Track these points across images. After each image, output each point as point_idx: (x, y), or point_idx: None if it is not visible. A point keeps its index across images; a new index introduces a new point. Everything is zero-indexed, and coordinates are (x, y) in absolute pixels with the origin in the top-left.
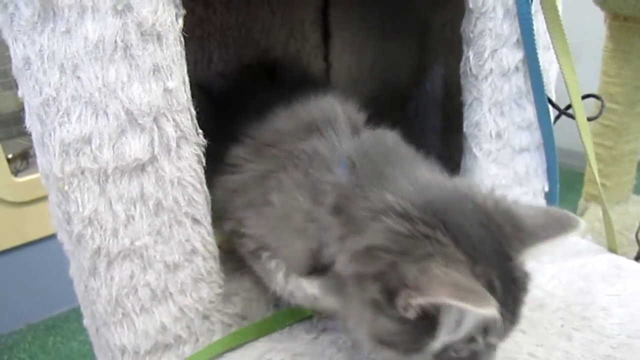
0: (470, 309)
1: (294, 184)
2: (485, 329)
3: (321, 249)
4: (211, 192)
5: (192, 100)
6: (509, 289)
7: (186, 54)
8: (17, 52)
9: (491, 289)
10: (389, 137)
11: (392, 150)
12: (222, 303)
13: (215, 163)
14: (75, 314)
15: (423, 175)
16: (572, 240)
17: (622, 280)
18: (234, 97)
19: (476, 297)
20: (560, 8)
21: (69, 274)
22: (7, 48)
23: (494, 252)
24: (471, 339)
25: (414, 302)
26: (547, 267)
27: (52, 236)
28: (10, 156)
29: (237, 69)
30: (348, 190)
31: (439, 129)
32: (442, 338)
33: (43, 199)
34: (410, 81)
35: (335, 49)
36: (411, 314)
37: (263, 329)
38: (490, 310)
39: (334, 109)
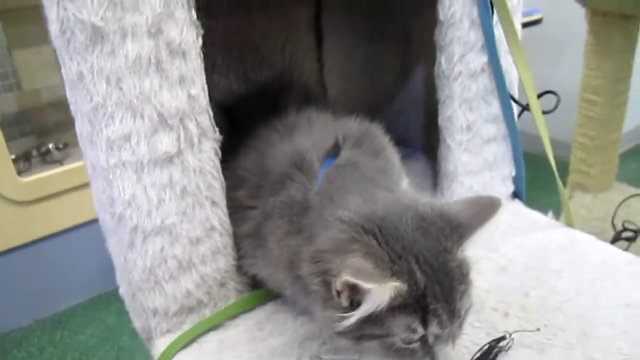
0: (363, 285)
1: (283, 232)
2: (424, 319)
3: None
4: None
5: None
6: (441, 281)
7: None
8: (72, 69)
9: (411, 279)
10: (360, 160)
11: (355, 179)
12: (236, 273)
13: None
14: (81, 309)
15: (376, 193)
16: (536, 217)
17: (575, 249)
18: (241, 124)
19: (372, 278)
20: (516, 20)
21: (72, 272)
22: (7, 52)
23: (429, 250)
24: (410, 328)
25: (336, 286)
26: (512, 239)
27: (57, 234)
28: (13, 157)
29: (248, 90)
30: (314, 222)
31: (421, 123)
32: (360, 311)
33: (47, 198)
34: (395, 81)
35: (328, 51)
36: (344, 301)
37: (270, 295)
38: (380, 286)
39: (302, 154)
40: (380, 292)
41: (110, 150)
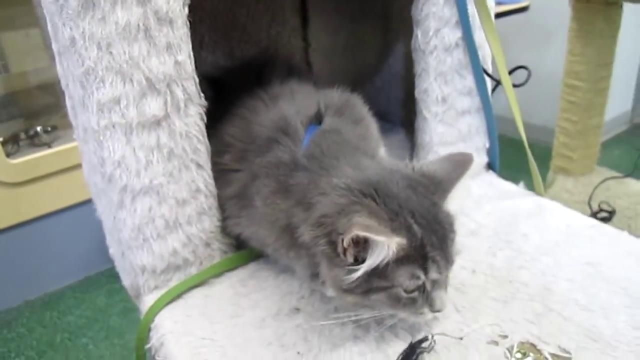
0: (374, 237)
1: (270, 191)
2: (424, 267)
3: (294, 230)
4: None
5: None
6: (435, 231)
7: None
8: (64, 34)
9: (410, 233)
10: (342, 128)
11: (340, 145)
12: (220, 234)
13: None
14: (70, 291)
15: (362, 161)
16: (507, 187)
17: (542, 215)
18: (227, 94)
19: (379, 232)
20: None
21: (62, 253)
22: None
23: (421, 205)
24: (413, 275)
25: (344, 244)
26: (485, 206)
27: (46, 216)
28: (1, 139)
29: (234, 64)
30: (305, 186)
31: (401, 99)
32: (366, 264)
33: (36, 180)
34: (376, 58)
35: (313, 31)
36: (349, 258)
37: (253, 255)
38: (387, 239)
39: (287, 119)
40: (387, 245)
41: (101, 112)
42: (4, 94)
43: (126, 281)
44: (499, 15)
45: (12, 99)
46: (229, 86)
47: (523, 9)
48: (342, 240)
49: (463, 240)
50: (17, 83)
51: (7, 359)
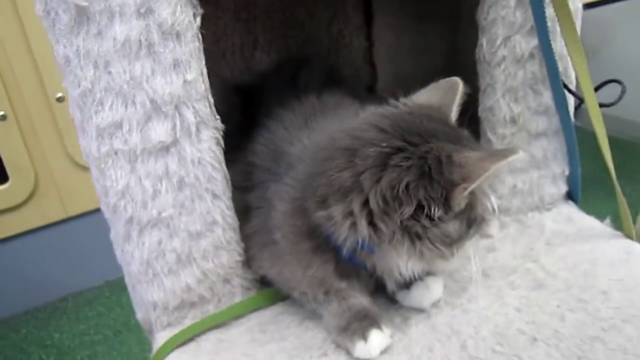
0: (509, 160)
1: (283, 214)
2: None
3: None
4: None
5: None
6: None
7: (233, 35)
8: (58, 52)
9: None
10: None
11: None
12: (242, 269)
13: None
14: None
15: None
16: (589, 224)
17: (629, 266)
18: (258, 101)
19: (502, 153)
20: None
21: None
22: None
23: (443, 130)
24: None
25: (468, 189)
26: (558, 249)
27: None
28: None
29: (269, 68)
30: (323, 178)
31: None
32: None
33: None
34: (444, 61)
35: (377, 30)
36: (463, 203)
37: (278, 296)
38: (518, 154)
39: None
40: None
41: (101, 138)
42: None
43: (138, 314)
44: (605, 2)
45: None
46: (260, 92)
47: None
48: (464, 188)
49: (527, 294)
50: None
51: (87, 336)
